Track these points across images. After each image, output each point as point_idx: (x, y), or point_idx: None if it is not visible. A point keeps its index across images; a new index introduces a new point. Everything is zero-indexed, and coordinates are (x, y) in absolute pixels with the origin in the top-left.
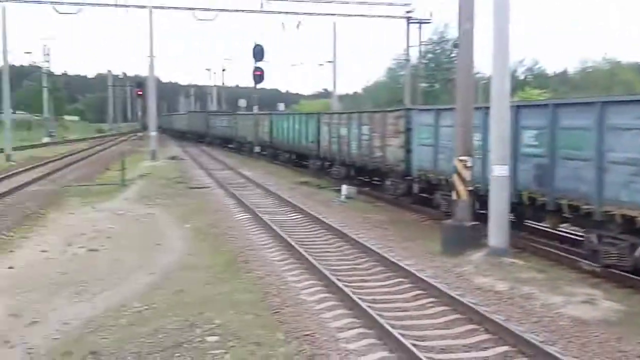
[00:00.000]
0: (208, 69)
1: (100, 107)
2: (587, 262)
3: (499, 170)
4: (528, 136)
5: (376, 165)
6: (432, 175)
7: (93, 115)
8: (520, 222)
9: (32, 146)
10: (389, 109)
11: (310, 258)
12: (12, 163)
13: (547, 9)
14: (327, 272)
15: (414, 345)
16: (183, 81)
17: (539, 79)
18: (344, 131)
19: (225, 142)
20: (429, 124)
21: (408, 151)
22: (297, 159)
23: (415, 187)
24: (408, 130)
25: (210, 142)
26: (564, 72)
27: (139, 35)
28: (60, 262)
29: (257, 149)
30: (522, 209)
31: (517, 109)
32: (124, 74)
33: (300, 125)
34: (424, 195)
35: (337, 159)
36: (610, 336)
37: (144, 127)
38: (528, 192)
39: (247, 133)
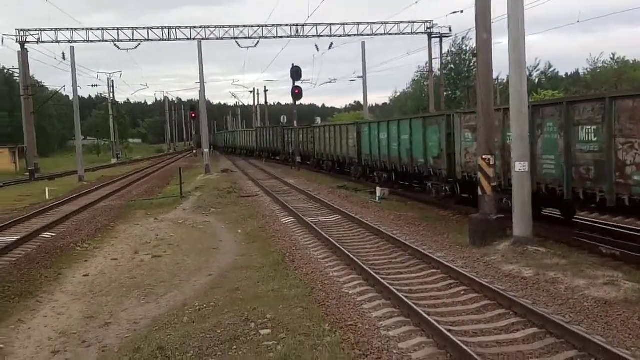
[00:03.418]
0: (251, 91)
1: (159, 130)
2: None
3: (519, 166)
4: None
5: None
6: None
7: (153, 137)
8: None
9: (102, 167)
10: None
11: (350, 255)
12: (84, 183)
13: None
14: (366, 267)
15: (449, 330)
16: (230, 102)
17: (553, 80)
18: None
19: (303, 159)
20: None
21: None
22: (401, 181)
23: None
24: None
25: (286, 159)
26: (576, 73)
27: (191, 63)
28: (128, 268)
29: (298, 159)
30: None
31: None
32: (179, 99)
33: (414, 134)
34: None
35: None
36: (632, 315)
37: (199, 146)
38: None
39: (327, 148)
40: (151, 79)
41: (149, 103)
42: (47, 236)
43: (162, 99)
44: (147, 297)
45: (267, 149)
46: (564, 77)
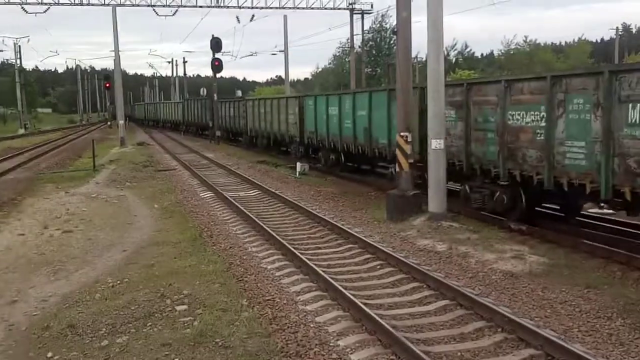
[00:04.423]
0: (169, 61)
1: (71, 99)
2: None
3: (435, 144)
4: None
5: None
6: None
7: (65, 107)
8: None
9: (8, 138)
10: None
11: (269, 230)
12: None
13: None
14: (285, 242)
15: (365, 303)
16: (147, 73)
17: (469, 61)
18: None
19: (234, 135)
20: None
21: None
22: (350, 163)
23: None
24: None
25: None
26: (491, 54)
27: (106, 30)
28: (37, 244)
29: (218, 133)
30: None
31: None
32: (92, 67)
33: (374, 110)
34: None
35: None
36: (536, 287)
37: (113, 117)
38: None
39: (262, 124)
40: (62, 46)
41: (60, 71)
42: None
43: (74, 67)
44: (56, 274)
45: (195, 123)
46: (480, 57)
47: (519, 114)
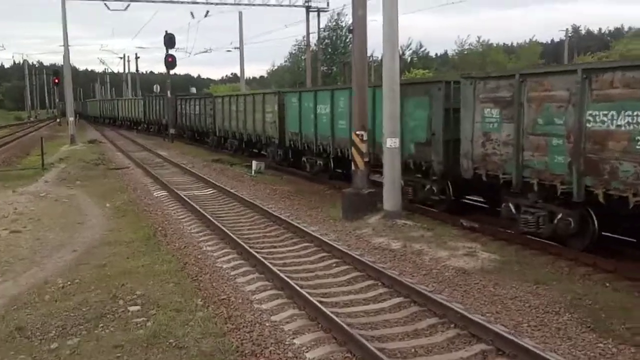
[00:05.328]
0: (121, 57)
1: (18, 96)
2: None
3: (390, 142)
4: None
5: None
6: None
7: (11, 104)
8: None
9: None
10: None
11: (224, 228)
12: None
13: None
14: (240, 241)
15: (320, 302)
16: (98, 68)
17: (424, 60)
18: None
19: (200, 136)
20: None
21: None
22: (339, 169)
23: None
24: None
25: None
26: (445, 54)
27: (54, 23)
28: None
29: (172, 130)
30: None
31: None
32: (40, 62)
33: (378, 109)
34: None
35: None
36: (487, 283)
37: (63, 114)
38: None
39: (234, 124)
40: (9, 39)
41: (6, 66)
42: None
43: (21, 61)
44: (3, 275)
45: (157, 122)
46: (434, 57)
47: (605, 115)
